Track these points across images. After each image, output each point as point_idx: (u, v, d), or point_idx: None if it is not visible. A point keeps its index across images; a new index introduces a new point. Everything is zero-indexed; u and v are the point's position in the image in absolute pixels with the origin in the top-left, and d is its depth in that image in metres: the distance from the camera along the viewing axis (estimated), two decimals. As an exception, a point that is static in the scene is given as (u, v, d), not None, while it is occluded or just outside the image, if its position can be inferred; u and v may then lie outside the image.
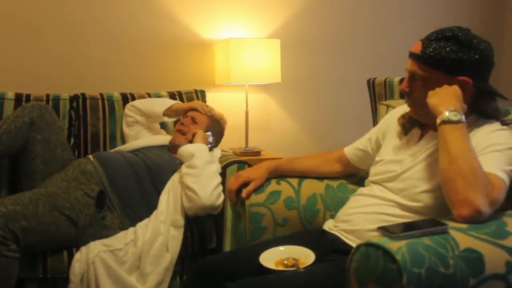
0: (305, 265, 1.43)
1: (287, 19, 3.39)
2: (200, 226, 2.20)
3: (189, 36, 3.20)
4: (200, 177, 2.10)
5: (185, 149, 2.22)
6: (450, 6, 3.77)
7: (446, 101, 1.39)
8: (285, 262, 1.46)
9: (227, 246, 2.23)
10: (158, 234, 2.06)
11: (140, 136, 2.56)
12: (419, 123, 1.61)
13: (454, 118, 1.35)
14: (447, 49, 1.42)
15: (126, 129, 2.61)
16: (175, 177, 2.22)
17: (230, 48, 2.96)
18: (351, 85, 3.52)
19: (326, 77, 3.52)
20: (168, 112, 2.55)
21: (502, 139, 1.43)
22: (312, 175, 1.93)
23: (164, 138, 2.54)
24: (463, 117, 1.36)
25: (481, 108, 1.51)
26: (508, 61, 3.87)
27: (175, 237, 2.09)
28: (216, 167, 2.20)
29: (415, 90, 1.50)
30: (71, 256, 1.97)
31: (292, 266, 1.44)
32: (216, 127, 2.52)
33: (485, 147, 1.40)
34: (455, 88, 1.42)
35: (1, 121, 2.17)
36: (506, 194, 1.33)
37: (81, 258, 1.96)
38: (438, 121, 1.37)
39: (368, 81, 3.05)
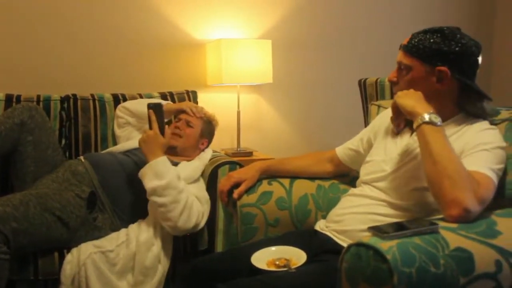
0: (297, 265, 1.44)
1: (278, 20, 3.40)
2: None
3: (181, 37, 3.19)
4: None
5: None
6: (442, 8, 3.79)
7: (421, 104, 1.43)
8: (277, 262, 1.46)
9: (219, 247, 2.23)
10: (151, 245, 2.05)
11: (131, 137, 2.55)
12: (410, 122, 1.62)
13: (435, 120, 1.37)
14: (431, 40, 1.49)
15: (117, 131, 2.60)
16: None
17: (222, 49, 2.96)
18: (343, 85, 3.53)
19: (317, 77, 3.53)
20: None
21: (490, 138, 1.44)
22: (303, 175, 1.93)
23: None
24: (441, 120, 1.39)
25: (466, 107, 1.54)
26: (498, 66, 3.91)
27: (166, 251, 2.09)
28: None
29: (401, 80, 1.56)
30: (62, 258, 1.96)
31: (284, 266, 1.44)
32: (208, 129, 2.52)
33: (473, 146, 1.42)
34: (421, 94, 1.47)
35: None
36: (494, 193, 1.35)
37: (72, 260, 1.95)
38: (419, 121, 1.38)
39: (359, 81, 3.06)
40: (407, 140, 1.60)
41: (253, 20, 3.34)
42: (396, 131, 1.64)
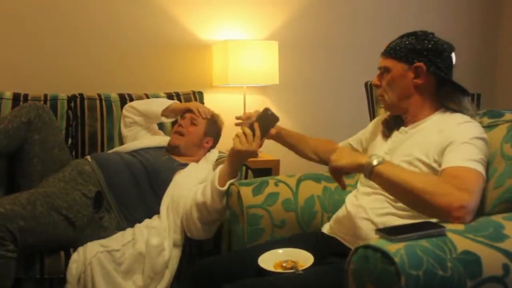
0: (304, 268, 1.43)
1: (285, 21, 3.40)
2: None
3: (187, 37, 3.20)
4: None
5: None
6: (447, 9, 3.79)
7: (357, 154, 1.51)
8: (284, 264, 1.46)
9: (224, 248, 2.23)
10: (162, 249, 2.04)
11: (138, 137, 2.56)
12: (398, 124, 1.69)
13: (380, 159, 1.39)
14: (406, 42, 1.60)
15: (124, 130, 2.60)
16: (173, 191, 2.18)
17: (228, 50, 2.96)
18: (349, 87, 3.53)
19: (323, 79, 3.53)
20: (166, 112, 2.55)
21: (469, 130, 1.47)
22: (304, 147, 2.04)
23: (162, 139, 2.53)
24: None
25: (445, 102, 1.61)
26: (503, 68, 3.90)
27: (175, 256, 2.09)
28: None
29: (382, 82, 1.66)
30: (68, 257, 1.96)
31: (291, 268, 1.44)
32: (213, 128, 2.52)
33: (452, 142, 1.45)
34: (350, 149, 1.60)
35: None
36: (484, 183, 1.39)
37: (78, 259, 1.95)
38: (370, 167, 1.38)
39: (366, 83, 3.06)
40: (393, 138, 1.67)
41: (260, 21, 3.34)
42: (343, 188, 1.60)
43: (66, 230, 1.96)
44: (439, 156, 1.46)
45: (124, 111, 2.61)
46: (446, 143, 1.45)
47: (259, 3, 3.33)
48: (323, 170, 2.07)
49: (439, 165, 1.45)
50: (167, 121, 2.65)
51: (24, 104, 2.28)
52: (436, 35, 1.64)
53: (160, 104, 2.58)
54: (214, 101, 3.17)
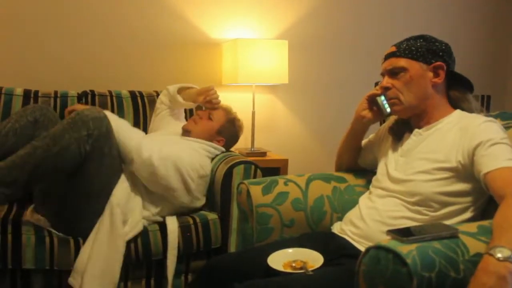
0: (313, 268, 1.43)
1: (295, 20, 3.39)
2: (205, 225, 2.20)
3: (197, 36, 3.20)
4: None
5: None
6: (457, 11, 3.77)
7: None
8: (293, 264, 1.46)
9: (232, 247, 2.23)
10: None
11: (161, 124, 2.57)
12: (408, 128, 1.69)
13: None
14: (418, 44, 1.62)
15: (153, 118, 2.64)
16: None
17: (238, 48, 2.96)
18: (358, 87, 3.50)
19: (333, 78, 3.52)
20: (182, 92, 2.58)
21: (494, 130, 1.47)
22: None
23: (176, 128, 2.53)
24: None
25: (458, 103, 1.64)
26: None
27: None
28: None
29: (395, 84, 1.64)
30: (77, 248, 1.97)
31: (300, 268, 1.43)
32: (229, 130, 2.52)
33: (481, 143, 1.43)
34: None
35: (6, 120, 2.20)
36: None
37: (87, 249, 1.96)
38: None
39: (376, 83, 3.04)
40: (408, 141, 1.66)
41: (270, 20, 3.34)
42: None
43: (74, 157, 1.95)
44: (465, 156, 1.46)
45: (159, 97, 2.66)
46: (475, 143, 1.44)
47: (269, 2, 3.33)
48: (332, 170, 2.08)
49: (463, 166, 1.46)
50: (182, 101, 2.59)
51: (27, 106, 2.31)
52: (446, 36, 1.65)
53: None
54: (223, 100, 3.11)
